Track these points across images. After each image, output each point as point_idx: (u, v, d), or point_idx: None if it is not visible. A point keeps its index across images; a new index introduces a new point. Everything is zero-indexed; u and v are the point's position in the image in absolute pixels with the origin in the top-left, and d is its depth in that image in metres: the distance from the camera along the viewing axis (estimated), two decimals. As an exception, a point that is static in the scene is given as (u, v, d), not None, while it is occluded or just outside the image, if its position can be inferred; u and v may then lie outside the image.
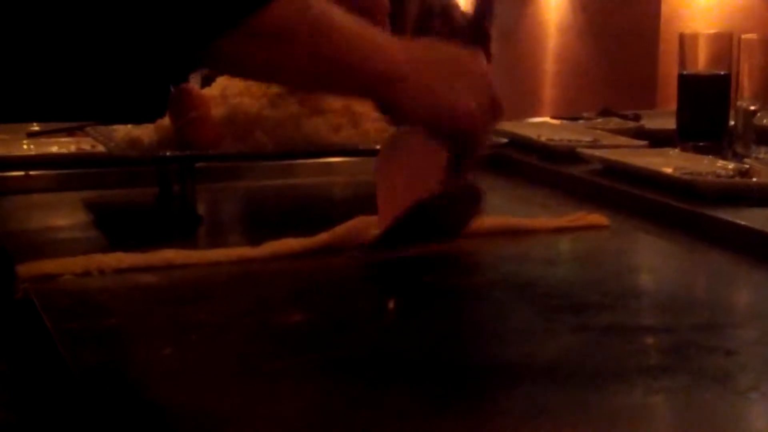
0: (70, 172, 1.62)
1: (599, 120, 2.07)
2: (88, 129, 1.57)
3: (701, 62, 1.76)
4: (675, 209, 1.39)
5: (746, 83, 1.70)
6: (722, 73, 1.74)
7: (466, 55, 1.12)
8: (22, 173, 1.59)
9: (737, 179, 1.46)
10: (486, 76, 1.11)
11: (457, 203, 1.13)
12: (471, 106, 1.07)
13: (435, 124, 1.08)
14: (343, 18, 1.02)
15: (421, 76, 1.06)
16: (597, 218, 1.37)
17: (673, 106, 1.85)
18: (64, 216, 1.46)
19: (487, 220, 1.33)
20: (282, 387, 0.85)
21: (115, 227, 1.36)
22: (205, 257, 1.18)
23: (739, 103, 1.73)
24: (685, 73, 1.78)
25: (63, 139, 1.75)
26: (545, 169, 1.68)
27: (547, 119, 2.19)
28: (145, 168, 1.54)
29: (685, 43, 1.77)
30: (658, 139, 1.78)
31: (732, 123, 1.73)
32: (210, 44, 0.94)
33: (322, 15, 1.00)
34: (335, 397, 0.82)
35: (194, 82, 1.75)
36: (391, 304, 1.04)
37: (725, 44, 1.75)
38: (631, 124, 1.99)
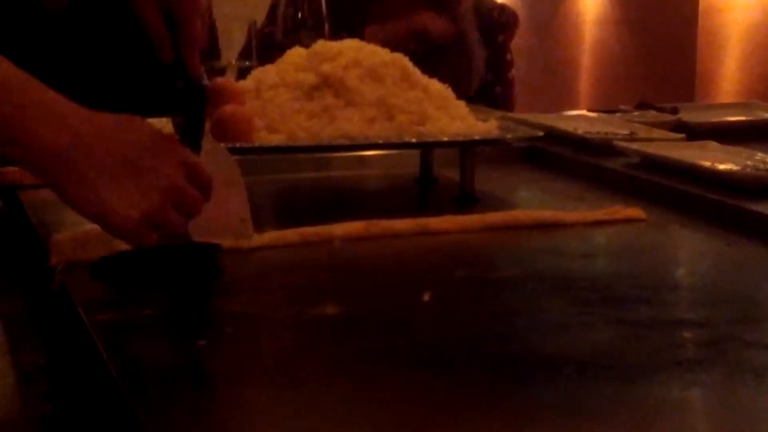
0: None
1: (636, 113, 2.06)
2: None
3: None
4: (712, 202, 1.37)
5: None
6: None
7: (157, 143, 0.98)
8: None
9: (776, 172, 1.44)
10: (172, 175, 0.97)
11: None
12: (132, 217, 0.94)
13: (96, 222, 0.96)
14: (18, 76, 0.92)
15: (88, 166, 0.93)
16: (634, 211, 1.36)
17: (711, 99, 1.84)
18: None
19: (523, 214, 1.33)
20: (317, 379, 0.85)
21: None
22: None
23: (777, 95, 1.71)
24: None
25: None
26: (582, 162, 1.67)
27: (583, 112, 2.18)
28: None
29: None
30: (695, 133, 1.77)
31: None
32: None
33: None
34: (371, 389, 0.82)
35: (230, 75, 1.76)
36: (426, 297, 1.03)
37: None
38: (668, 117, 1.98)
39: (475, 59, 2.41)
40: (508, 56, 2.61)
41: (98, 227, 0.98)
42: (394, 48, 1.42)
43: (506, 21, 2.58)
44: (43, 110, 0.92)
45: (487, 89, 2.52)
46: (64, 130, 0.92)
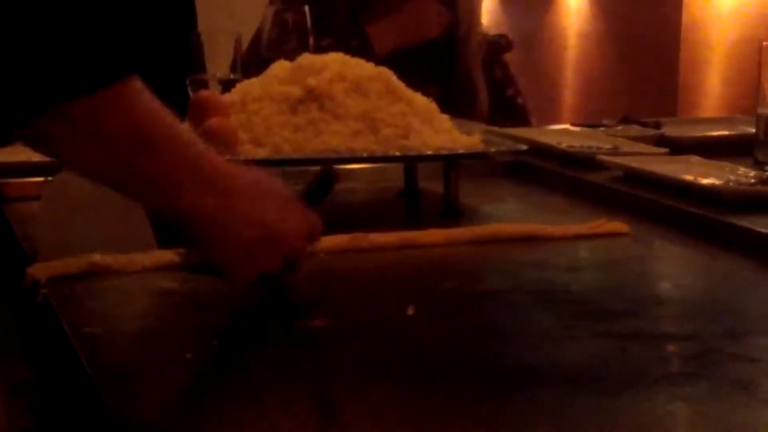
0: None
1: (620, 127, 2.07)
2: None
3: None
4: (696, 217, 1.38)
5: (768, 91, 1.69)
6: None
7: (289, 205, 1.07)
8: (41, 179, 1.59)
9: (759, 187, 1.45)
10: (296, 241, 1.06)
11: None
12: (252, 274, 1.04)
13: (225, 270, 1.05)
14: (168, 135, 0.97)
15: (226, 227, 1.01)
16: (618, 225, 1.36)
17: (694, 113, 1.84)
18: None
19: (508, 227, 1.33)
20: (305, 392, 0.85)
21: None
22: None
23: (760, 110, 1.72)
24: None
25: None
26: (565, 176, 1.67)
27: (567, 126, 2.19)
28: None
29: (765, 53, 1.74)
30: (679, 147, 1.78)
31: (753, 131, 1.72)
32: (24, 122, 0.91)
33: (145, 127, 0.95)
34: (358, 402, 0.82)
35: (214, 88, 1.76)
36: (411, 310, 1.04)
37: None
38: (651, 132, 1.99)
39: (480, 101, 2.47)
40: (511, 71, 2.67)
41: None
42: (398, 47, 1.42)
43: (508, 42, 2.65)
44: (191, 175, 0.98)
45: (511, 102, 2.58)
46: (209, 194, 0.99)
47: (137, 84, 0.94)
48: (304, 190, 1.11)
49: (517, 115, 2.57)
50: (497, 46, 2.62)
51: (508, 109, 2.57)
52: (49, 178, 1.58)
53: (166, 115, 0.97)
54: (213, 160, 1.01)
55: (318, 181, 1.14)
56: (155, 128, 0.96)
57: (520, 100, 2.62)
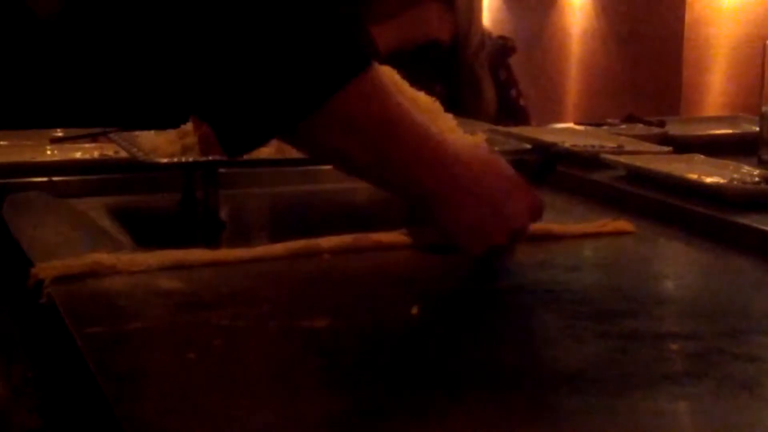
0: (94, 177, 1.62)
1: (623, 126, 2.06)
2: (111, 135, 1.58)
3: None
4: (700, 215, 1.38)
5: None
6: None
7: (516, 185, 1.13)
8: (45, 179, 1.59)
9: (763, 185, 1.45)
10: (522, 220, 1.14)
11: None
12: (479, 248, 1.11)
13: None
14: (406, 114, 1.04)
15: (460, 204, 1.08)
16: (622, 224, 1.36)
17: (698, 112, 1.84)
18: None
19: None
20: (307, 392, 0.85)
21: (138, 233, 1.36)
22: (216, 257, 1.18)
23: (764, 109, 1.72)
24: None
25: (86, 145, 1.76)
26: (569, 174, 1.67)
27: (571, 125, 2.19)
28: (167, 174, 1.54)
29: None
30: (682, 146, 1.78)
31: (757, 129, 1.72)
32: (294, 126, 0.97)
33: (389, 110, 1.01)
34: (360, 402, 0.82)
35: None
36: (414, 310, 1.04)
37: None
38: (655, 130, 1.99)
39: (486, 101, 2.48)
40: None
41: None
42: (398, 48, 1.41)
43: (512, 45, 2.66)
44: (427, 153, 1.05)
45: (513, 103, 2.60)
46: (445, 177, 1.06)
47: (375, 68, 1.00)
48: (529, 169, 1.17)
49: (519, 117, 2.59)
50: (502, 48, 2.63)
51: (510, 110, 2.58)
52: (54, 179, 1.58)
53: (398, 95, 1.03)
54: (444, 139, 1.07)
55: (542, 161, 1.19)
56: (396, 110, 1.02)
57: (522, 102, 2.63)
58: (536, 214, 1.16)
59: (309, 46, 0.94)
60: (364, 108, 0.98)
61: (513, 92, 2.62)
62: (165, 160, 1.39)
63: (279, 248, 1.22)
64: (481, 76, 2.49)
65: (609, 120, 2.15)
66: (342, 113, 0.98)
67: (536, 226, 1.33)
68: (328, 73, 0.95)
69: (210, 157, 1.36)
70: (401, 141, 1.03)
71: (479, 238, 1.10)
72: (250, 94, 0.95)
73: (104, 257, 1.14)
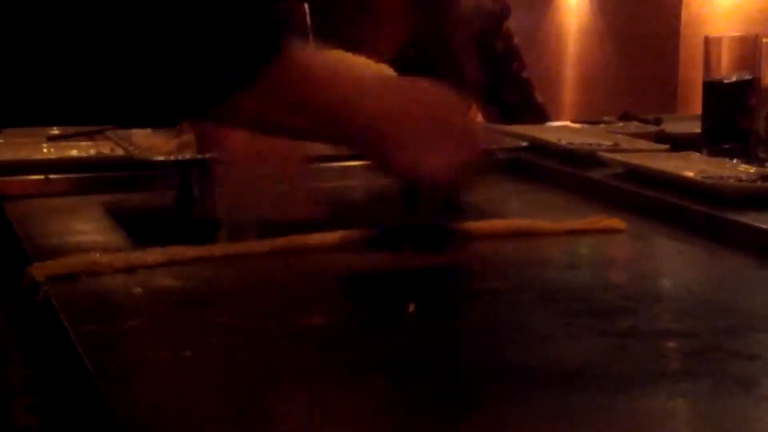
0: (90, 175, 1.62)
1: (620, 124, 2.07)
2: (108, 132, 1.58)
3: (725, 66, 1.74)
4: (696, 213, 1.38)
5: (769, 86, 1.69)
6: (748, 77, 1.73)
7: (451, 107, 1.13)
8: (42, 177, 1.59)
9: (759, 183, 1.45)
10: (469, 132, 1.14)
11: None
12: (444, 168, 1.10)
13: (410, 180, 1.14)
14: (327, 70, 1.04)
15: (401, 132, 1.07)
16: (614, 222, 1.36)
17: (694, 110, 1.85)
18: (83, 219, 1.46)
19: (501, 223, 1.33)
20: (303, 390, 0.85)
21: (134, 231, 1.36)
22: (209, 252, 1.18)
23: (760, 107, 1.72)
24: (709, 79, 1.76)
25: (82, 143, 1.76)
26: (565, 172, 1.67)
27: (567, 123, 2.19)
28: (163, 171, 1.54)
29: (710, 46, 1.76)
30: (679, 143, 1.78)
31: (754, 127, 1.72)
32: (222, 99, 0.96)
33: (310, 69, 1.02)
34: (356, 401, 0.82)
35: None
36: (411, 308, 1.03)
37: (750, 47, 1.74)
38: (651, 128, 1.99)
39: (467, 84, 2.36)
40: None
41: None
42: (392, 54, 1.40)
43: (505, 8, 2.53)
44: (348, 96, 1.05)
45: (515, 76, 2.47)
46: (378, 103, 1.06)
47: (293, 43, 1.00)
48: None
49: (523, 90, 2.47)
50: (494, 16, 2.49)
51: (513, 84, 2.47)
52: (50, 176, 1.58)
53: (323, 56, 1.08)
54: (375, 76, 1.12)
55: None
56: (319, 71, 1.03)
57: (525, 75, 2.49)
58: (476, 140, 1.16)
59: (222, 33, 0.95)
60: (290, 78, 0.99)
61: (515, 65, 2.49)
62: (161, 158, 1.39)
63: (261, 245, 1.22)
64: (459, 58, 2.35)
65: (605, 118, 2.15)
66: (271, 87, 0.98)
67: (526, 222, 1.33)
68: (253, 53, 0.96)
69: (206, 155, 1.36)
70: (331, 94, 1.03)
71: (429, 161, 1.09)
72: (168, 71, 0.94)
73: (99, 257, 1.14)
